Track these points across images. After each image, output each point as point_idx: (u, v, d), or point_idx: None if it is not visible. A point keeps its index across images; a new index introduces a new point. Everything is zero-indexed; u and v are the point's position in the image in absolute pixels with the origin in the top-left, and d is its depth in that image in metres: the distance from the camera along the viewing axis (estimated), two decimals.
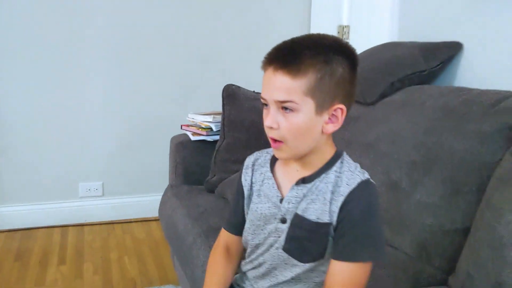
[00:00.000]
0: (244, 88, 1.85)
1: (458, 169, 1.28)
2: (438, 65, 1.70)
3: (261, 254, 0.99)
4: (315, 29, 2.85)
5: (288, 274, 0.96)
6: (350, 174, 0.91)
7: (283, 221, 0.94)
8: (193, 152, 1.90)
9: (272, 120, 0.87)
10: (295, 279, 0.96)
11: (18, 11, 2.41)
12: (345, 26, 2.64)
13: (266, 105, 0.89)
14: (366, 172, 0.94)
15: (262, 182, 1.00)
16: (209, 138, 1.90)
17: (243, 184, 1.03)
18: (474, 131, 1.27)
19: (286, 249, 0.94)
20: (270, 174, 0.99)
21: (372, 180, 0.92)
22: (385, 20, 2.17)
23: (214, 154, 1.81)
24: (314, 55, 0.84)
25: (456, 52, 1.71)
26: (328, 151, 0.93)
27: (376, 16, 2.30)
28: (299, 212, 0.92)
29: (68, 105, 2.57)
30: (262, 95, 0.89)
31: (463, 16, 1.70)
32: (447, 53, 1.71)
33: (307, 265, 0.93)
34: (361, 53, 1.93)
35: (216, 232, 1.22)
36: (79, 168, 2.66)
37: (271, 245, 0.97)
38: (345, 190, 0.89)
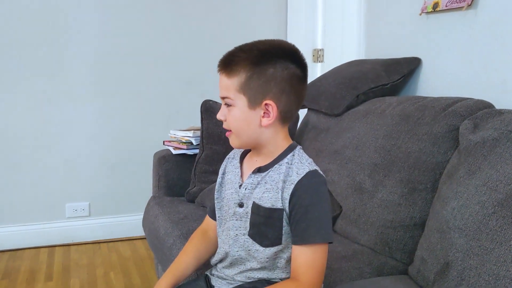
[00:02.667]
0: (220, 103, 1.96)
1: (414, 169, 1.41)
2: (399, 79, 1.84)
3: (227, 242, 1.10)
4: None
5: (252, 261, 1.06)
6: (300, 165, 1.02)
7: (241, 205, 1.07)
8: (174, 166, 2.00)
9: (220, 113, 1.05)
10: (260, 267, 1.06)
11: (1, 31, 2.53)
12: (320, 50, 2.80)
13: None
14: (316, 166, 1.05)
15: (231, 171, 1.13)
16: (189, 152, 2.01)
17: (218, 174, 1.17)
18: (426, 134, 1.41)
19: (251, 234, 1.05)
20: (238, 164, 1.12)
21: (320, 172, 1.03)
22: (354, 42, 2.33)
23: (194, 166, 1.92)
24: (246, 57, 1.00)
25: (415, 66, 1.86)
26: (282, 145, 1.05)
27: (346, 39, 2.47)
28: (256, 201, 1.04)
29: (53, 127, 2.66)
30: None
31: (421, 34, 1.85)
32: (407, 67, 1.86)
33: (268, 250, 1.04)
34: (328, 71, 2.08)
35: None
36: (66, 189, 2.73)
37: (236, 233, 1.08)
38: (295, 179, 1.00)
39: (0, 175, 2.61)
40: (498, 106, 1.39)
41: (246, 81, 0.99)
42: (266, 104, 0.99)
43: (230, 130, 1.05)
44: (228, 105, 1.03)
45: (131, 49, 2.72)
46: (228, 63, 1.01)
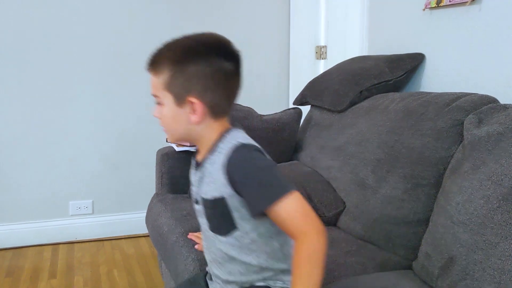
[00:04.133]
0: None
1: (417, 164, 1.40)
2: (403, 75, 1.84)
3: (204, 239, 1.11)
4: (294, 50, 3.01)
5: (220, 253, 1.05)
6: (228, 145, 0.99)
7: (197, 202, 1.08)
8: (177, 162, 2.00)
9: (156, 111, 1.05)
10: (229, 258, 1.04)
11: (4, 30, 2.54)
12: (323, 46, 2.79)
13: None
14: (247, 139, 1.02)
15: (191, 170, 1.12)
16: (192, 149, 2.00)
17: None
18: (430, 129, 1.40)
19: (211, 228, 1.05)
20: (194, 161, 1.10)
21: (249, 143, 1.00)
22: (357, 38, 2.32)
23: None
24: (168, 56, 1.00)
25: (419, 62, 1.85)
26: (214, 137, 1.02)
27: (349, 35, 2.46)
28: (203, 195, 1.03)
29: (56, 124, 2.66)
30: None
31: (425, 30, 1.85)
32: (411, 63, 1.85)
33: (228, 239, 1.02)
34: (331, 68, 2.08)
35: (198, 231, 1.32)
36: (69, 186, 2.74)
37: (204, 231, 1.09)
38: (225, 161, 0.97)
39: (3, 173, 2.61)
40: (502, 101, 1.38)
41: (169, 79, 0.99)
42: (190, 102, 0.98)
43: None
44: (158, 103, 1.03)
45: (133, 48, 2.72)
46: (153, 62, 1.02)
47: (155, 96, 1.03)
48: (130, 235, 2.85)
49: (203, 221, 1.07)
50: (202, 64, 0.98)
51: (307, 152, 1.92)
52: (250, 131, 1.88)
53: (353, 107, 1.79)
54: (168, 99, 1.00)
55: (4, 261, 2.50)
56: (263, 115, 1.99)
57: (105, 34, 2.68)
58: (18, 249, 2.66)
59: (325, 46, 2.79)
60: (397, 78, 1.83)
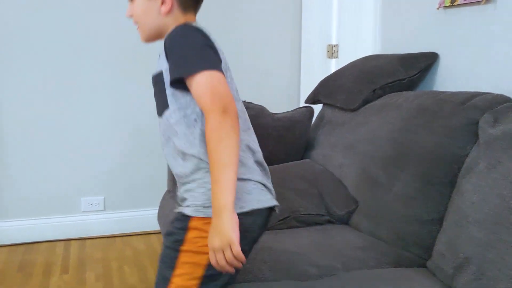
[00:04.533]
0: None
1: (430, 162, 1.39)
2: (417, 73, 1.83)
3: None
4: (305, 49, 3.00)
5: (161, 135, 1.13)
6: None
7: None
8: None
9: (127, 11, 1.17)
10: (165, 139, 1.11)
11: (19, 22, 2.55)
12: (334, 45, 2.78)
13: None
14: (185, 23, 1.09)
15: None
16: None
17: None
18: (444, 127, 1.39)
19: (157, 110, 1.14)
20: None
21: (183, 24, 1.08)
22: (369, 37, 2.31)
23: None
24: None
25: (433, 61, 1.84)
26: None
27: (361, 34, 2.45)
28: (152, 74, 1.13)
29: (68, 121, 2.68)
30: None
31: (439, 29, 1.84)
32: (425, 62, 1.84)
33: (162, 119, 1.10)
34: (344, 66, 2.07)
35: None
36: (81, 183, 2.76)
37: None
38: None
39: (15, 169, 2.64)
40: None
41: None
42: None
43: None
44: (130, 0, 1.15)
45: (147, 45, 2.72)
46: None
47: None
48: (141, 231, 2.87)
49: None
50: None
51: (319, 150, 1.92)
52: (262, 129, 1.89)
53: (366, 106, 1.79)
54: None
55: (16, 256, 2.52)
56: (275, 114, 1.99)
57: (119, 30, 2.69)
58: (31, 244, 2.68)
59: (337, 45, 2.78)
60: (410, 77, 1.82)
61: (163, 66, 1.06)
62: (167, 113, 1.08)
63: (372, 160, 1.57)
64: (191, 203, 1.06)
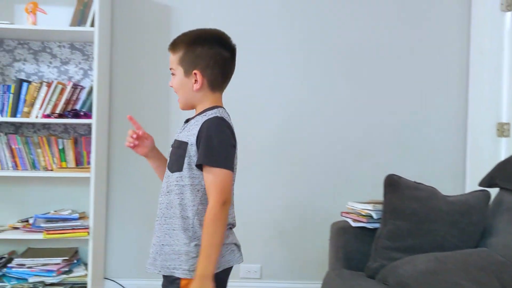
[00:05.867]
0: (404, 178, 1.94)
1: None
2: None
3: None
4: (472, 127, 2.87)
5: (165, 185, 1.42)
6: (211, 114, 1.39)
7: (172, 145, 1.47)
8: (353, 238, 1.99)
9: (170, 82, 1.48)
10: (167, 191, 1.41)
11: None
12: (505, 123, 2.62)
13: None
14: (221, 116, 1.39)
15: None
16: (369, 225, 1.99)
17: None
18: None
19: (168, 164, 1.44)
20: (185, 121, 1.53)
21: (220, 117, 1.38)
22: None
23: (375, 240, 1.89)
24: (184, 40, 1.43)
25: None
26: (207, 106, 1.43)
27: None
28: (177, 138, 1.43)
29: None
30: None
31: None
32: None
33: (173, 175, 1.38)
34: None
35: None
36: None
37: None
38: (204, 120, 1.37)
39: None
40: None
41: (182, 56, 1.41)
42: (194, 73, 1.40)
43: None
44: (173, 74, 1.45)
45: (306, 124, 2.87)
46: (173, 44, 1.44)
47: (171, 69, 1.45)
48: None
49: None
50: (206, 47, 1.40)
51: (499, 239, 1.77)
52: (434, 213, 1.82)
53: None
54: (179, 71, 1.43)
55: None
56: (448, 196, 1.91)
57: (288, 102, 2.86)
58: None
59: (508, 123, 2.61)
60: None
61: (191, 139, 1.36)
62: (178, 174, 1.38)
63: None
64: None
